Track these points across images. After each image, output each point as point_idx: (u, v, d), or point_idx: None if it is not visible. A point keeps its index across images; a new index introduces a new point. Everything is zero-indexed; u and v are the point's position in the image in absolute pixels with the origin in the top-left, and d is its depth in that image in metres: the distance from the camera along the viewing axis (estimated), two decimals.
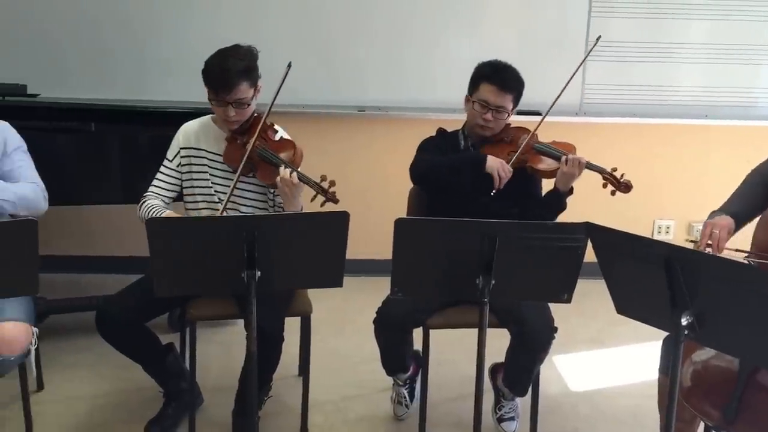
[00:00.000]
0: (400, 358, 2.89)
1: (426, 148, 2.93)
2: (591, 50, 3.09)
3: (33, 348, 2.48)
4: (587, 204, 3.01)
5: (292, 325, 2.74)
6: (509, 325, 2.67)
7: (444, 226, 2.19)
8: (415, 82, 4.38)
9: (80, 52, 4.22)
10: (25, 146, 2.75)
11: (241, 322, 3.43)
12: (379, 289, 2.67)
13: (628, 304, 2.08)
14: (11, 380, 2.66)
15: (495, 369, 2.99)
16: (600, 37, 3.09)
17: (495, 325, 2.60)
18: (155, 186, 2.82)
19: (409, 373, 3.01)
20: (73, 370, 3.28)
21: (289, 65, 2.58)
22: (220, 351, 3.49)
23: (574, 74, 2.93)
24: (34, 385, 3.04)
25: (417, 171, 2.86)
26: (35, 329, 2.49)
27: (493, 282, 2.15)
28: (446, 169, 2.79)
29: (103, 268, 4.41)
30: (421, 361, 2.83)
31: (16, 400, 2.84)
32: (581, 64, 3.01)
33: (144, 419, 2.87)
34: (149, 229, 2.07)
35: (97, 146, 3.51)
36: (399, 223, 2.13)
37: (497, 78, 2.80)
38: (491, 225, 2.14)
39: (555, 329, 2.65)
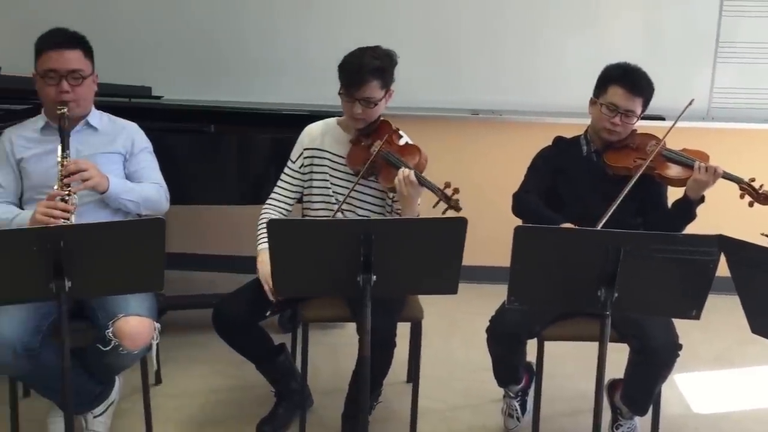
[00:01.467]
0: (513, 369, 2.81)
1: (538, 168, 2.85)
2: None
3: (155, 343, 2.54)
4: (720, 215, 2.85)
5: (401, 331, 2.71)
6: (630, 339, 2.55)
7: (566, 235, 2.12)
8: (532, 84, 4.28)
9: (201, 55, 4.34)
10: (151, 147, 2.84)
11: (349, 324, 3.50)
12: (493, 296, 2.61)
13: (765, 323, 1.95)
14: (132, 373, 2.76)
15: (613, 385, 2.86)
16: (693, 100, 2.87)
17: (614, 339, 2.48)
18: (279, 188, 2.87)
19: (521, 385, 2.93)
20: (188, 366, 3.36)
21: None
22: (329, 353, 3.50)
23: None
24: (153, 378, 3.13)
25: (517, 207, 2.81)
26: (157, 325, 2.55)
27: (616, 295, 2.06)
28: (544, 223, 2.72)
29: (217, 267, 4.53)
30: (534, 373, 2.75)
31: (136, 393, 2.93)
32: (670, 128, 2.79)
33: (255, 417, 2.91)
34: (270, 230, 2.09)
35: (215, 147, 3.59)
36: (519, 231, 2.06)
37: (627, 80, 2.69)
38: (616, 235, 2.05)
39: (680, 346, 2.51)
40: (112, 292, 2.31)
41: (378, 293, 2.15)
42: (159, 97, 4.13)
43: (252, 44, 4.32)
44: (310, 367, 2.82)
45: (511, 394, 2.94)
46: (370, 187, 2.78)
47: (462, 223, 2.10)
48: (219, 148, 3.60)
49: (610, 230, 2.04)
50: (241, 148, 3.59)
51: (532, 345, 2.70)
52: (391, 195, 2.74)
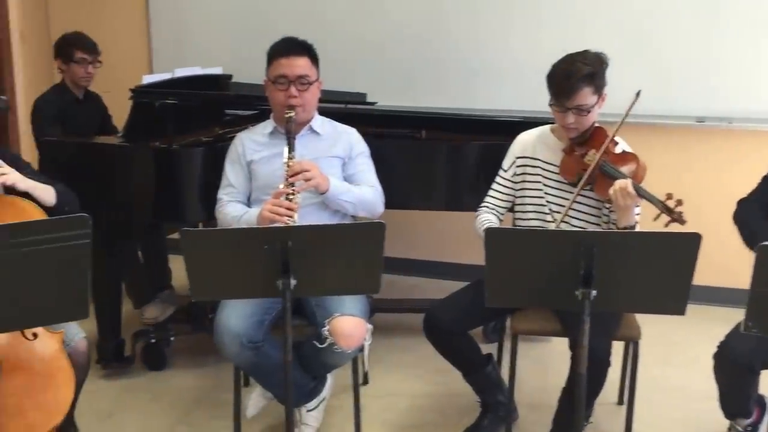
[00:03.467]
0: (743, 401, 2.58)
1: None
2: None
3: (367, 344, 2.59)
4: None
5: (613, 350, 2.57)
6: None
7: None
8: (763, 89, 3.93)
9: (414, 62, 4.39)
10: (368, 152, 2.91)
11: (555, 339, 3.38)
12: (720, 319, 2.41)
13: None
14: (341, 372, 2.83)
15: None
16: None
17: None
18: (490, 197, 2.83)
19: (751, 419, 2.67)
20: (393, 369, 3.40)
21: (638, 94, 2.46)
22: (534, 367, 3.41)
23: None
24: (361, 378, 3.20)
25: (735, 214, 2.61)
26: (369, 326, 2.60)
27: None
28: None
29: (419, 271, 4.57)
30: (767, 406, 2.50)
31: (344, 391, 3.02)
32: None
33: (458, 426, 2.89)
34: (488, 238, 2.05)
35: (425, 153, 3.60)
36: (764, 250, 1.88)
37: None
38: None
39: None
40: (332, 292, 2.39)
41: (597, 309, 2.05)
42: (373, 103, 4.23)
43: (465, 50, 4.31)
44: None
45: (739, 429, 2.70)
46: (585, 197, 2.67)
47: (695, 239, 1.95)
48: (429, 154, 3.61)
49: None
50: (450, 154, 3.59)
51: (765, 375, 2.47)
52: (607, 205, 2.62)
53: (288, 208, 2.53)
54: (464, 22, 4.31)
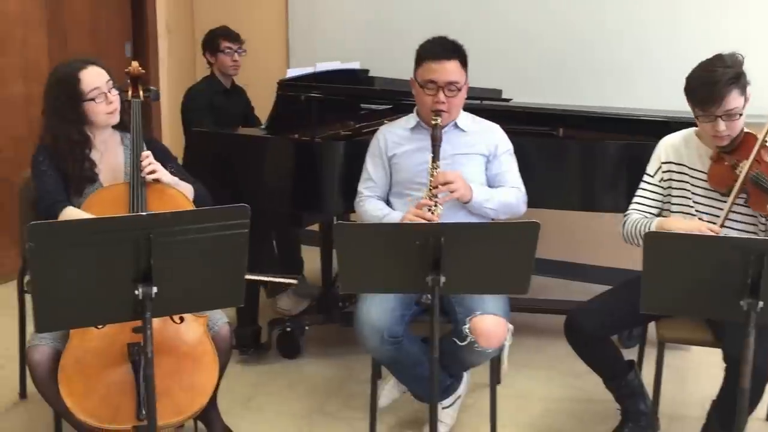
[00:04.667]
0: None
1: None
2: None
3: (507, 344, 2.56)
4: None
5: None
6: None
7: None
8: None
9: (551, 58, 4.32)
10: (512, 149, 2.86)
11: (694, 348, 3.23)
12: None
13: None
14: (476, 370, 2.82)
15: None
16: None
17: None
18: (638, 203, 2.71)
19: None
20: (528, 370, 3.34)
21: None
22: (674, 376, 3.26)
23: None
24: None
25: None
26: (510, 326, 2.56)
27: None
28: None
29: (551, 272, 4.47)
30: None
31: (478, 389, 3.01)
32: None
33: None
34: (648, 241, 1.97)
35: (562, 151, 3.52)
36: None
37: None
38: None
39: None
40: (480, 291, 2.37)
41: (763, 321, 1.94)
42: (508, 100, 4.16)
43: (601, 46, 4.20)
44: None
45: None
46: (738, 204, 2.52)
47: None
48: (565, 152, 3.52)
49: None
50: (588, 153, 3.49)
51: None
52: (762, 219, 2.47)
53: (429, 220, 2.53)
54: (594, 18, 4.19)
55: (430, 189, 2.58)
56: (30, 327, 2.79)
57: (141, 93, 2.59)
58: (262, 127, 3.53)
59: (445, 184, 2.58)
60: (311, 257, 4.02)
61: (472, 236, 2.05)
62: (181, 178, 2.60)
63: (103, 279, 1.92)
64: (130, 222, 1.94)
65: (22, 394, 3.04)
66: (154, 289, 1.92)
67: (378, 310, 2.56)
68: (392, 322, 2.55)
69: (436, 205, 2.56)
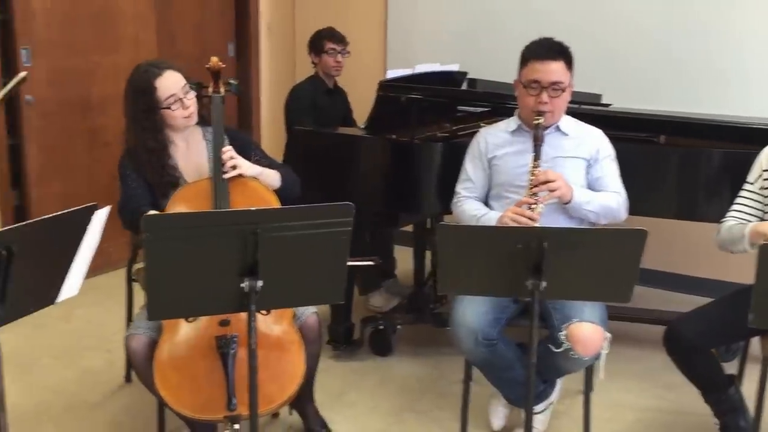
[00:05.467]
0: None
1: None
2: None
3: (604, 353, 2.52)
4: None
5: None
6: None
7: None
8: None
9: (652, 63, 4.22)
10: (614, 155, 2.82)
11: None
12: None
13: None
14: (569, 377, 2.79)
15: None
16: None
17: None
18: (737, 210, 2.62)
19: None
20: (619, 378, 3.26)
21: None
22: None
23: None
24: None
25: None
26: (608, 334, 2.53)
27: None
28: None
29: (649, 281, 4.36)
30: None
31: (569, 396, 2.99)
32: None
33: None
34: (763, 254, 1.92)
35: (662, 159, 3.43)
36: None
37: None
38: None
39: None
40: (581, 297, 2.35)
41: None
42: (608, 105, 4.09)
43: (704, 52, 4.08)
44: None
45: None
46: None
47: None
48: (666, 159, 3.44)
49: None
50: (689, 161, 3.39)
51: None
52: None
53: (530, 218, 2.51)
54: (712, 23, 4.07)
55: (531, 188, 2.57)
56: (135, 314, 2.93)
57: (222, 88, 2.60)
58: (362, 126, 3.57)
59: (546, 182, 2.56)
60: (404, 257, 4.06)
61: (576, 241, 2.03)
62: (266, 165, 2.64)
63: (211, 271, 1.99)
64: (239, 216, 2.00)
65: (127, 377, 3.19)
66: (259, 283, 1.99)
67: (473, 312, 2.56)
68: (487, 324, 2.55)
69: (536, 204, 2.54)
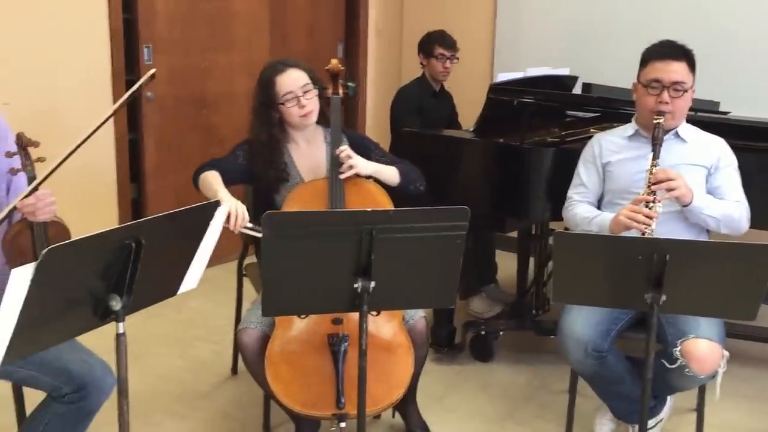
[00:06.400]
0: None
1: None
2: None
3: (721, 371, 2.42)
4: None
5: None
6: None
7: None
8: None
9: None
10: (736, 164, 2.71)
11: None
12: None
13: None
14: (678, 394, 2.71)
15: None
16: None
17: None
18: None
19: None
20: (730, 398, 3.11)
21: None
22: None
23: None
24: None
25: None
26: (726, 352, 2.43)
27: None
28: None
29: None
30: None
31: (678, 414, 2.88)
32: None
33: None
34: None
35: None
36: None
37: None
38: None
39: None
40: (702, 313, 2.26)
41: None
42: (726, 113, 3.93)
43: None
44: None
45: None
46: None
47: None
48: None
49: None
50: None
51: None
52: None
53: (647, 216, 2.43)
54: None
55: (649, 185, 2.48)
56: (244, 308, 2.99)
57: (341, 90, 2.66)
58: (471, 129, 3.55)
59: (666, 180, 2.47)
60: (506, 263, 4.01)
61: (701, 255, 1.96)
62: (386, 163, 2.68)
63: (326, 270, 2.02)
64: (357, 217, 2.02)
65: (234, 370, 3.27)
66: (372, 284, 2.00)
67: (583, 322, 2.51)
68: (597, 336, 2.49)
69: (654, 202, 2.46)
